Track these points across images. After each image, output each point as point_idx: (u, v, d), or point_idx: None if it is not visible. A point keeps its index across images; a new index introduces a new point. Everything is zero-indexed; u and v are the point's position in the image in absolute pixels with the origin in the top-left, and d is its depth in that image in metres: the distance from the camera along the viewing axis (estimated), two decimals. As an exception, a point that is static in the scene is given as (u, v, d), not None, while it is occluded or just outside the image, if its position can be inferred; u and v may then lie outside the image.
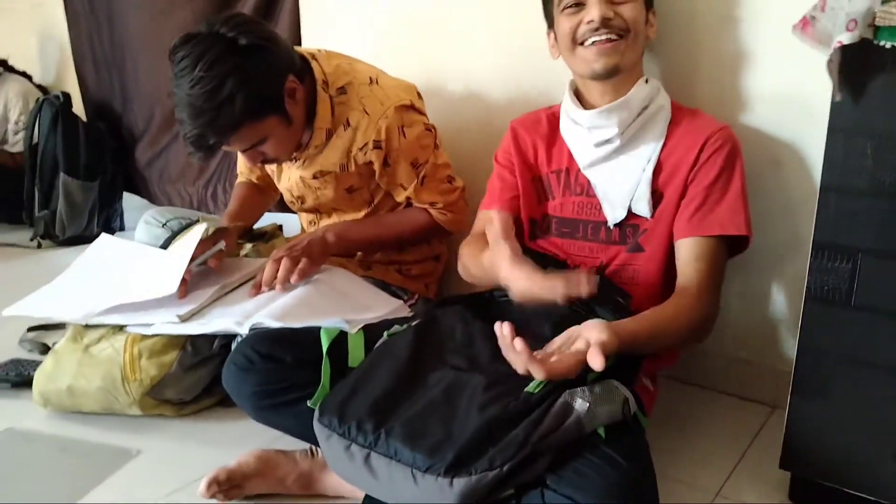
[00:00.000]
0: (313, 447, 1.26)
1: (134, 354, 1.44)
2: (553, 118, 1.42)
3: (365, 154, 1.52)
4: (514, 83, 1.74)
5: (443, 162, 1.60)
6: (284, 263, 1.43)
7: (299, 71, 1.46)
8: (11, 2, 3.20)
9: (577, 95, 1.37)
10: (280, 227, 1.90)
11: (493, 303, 1.32)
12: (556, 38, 1.36)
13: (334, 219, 1.69)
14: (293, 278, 1.41)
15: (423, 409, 1.02)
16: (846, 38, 0.98)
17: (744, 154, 1.30)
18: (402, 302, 1.54)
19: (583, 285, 1.02)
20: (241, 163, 1.83)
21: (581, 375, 1.00)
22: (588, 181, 1.34)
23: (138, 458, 1.37)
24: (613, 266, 1.31)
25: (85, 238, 2.66)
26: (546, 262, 1.35)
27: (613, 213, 1.31)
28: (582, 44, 1.29)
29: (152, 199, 2.82)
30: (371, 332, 1.26)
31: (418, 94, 1.61)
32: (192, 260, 1.47)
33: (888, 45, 0.98)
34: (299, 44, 2.11)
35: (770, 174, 1.42)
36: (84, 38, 2.87)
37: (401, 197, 1.60)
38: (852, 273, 1.05)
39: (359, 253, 1.63)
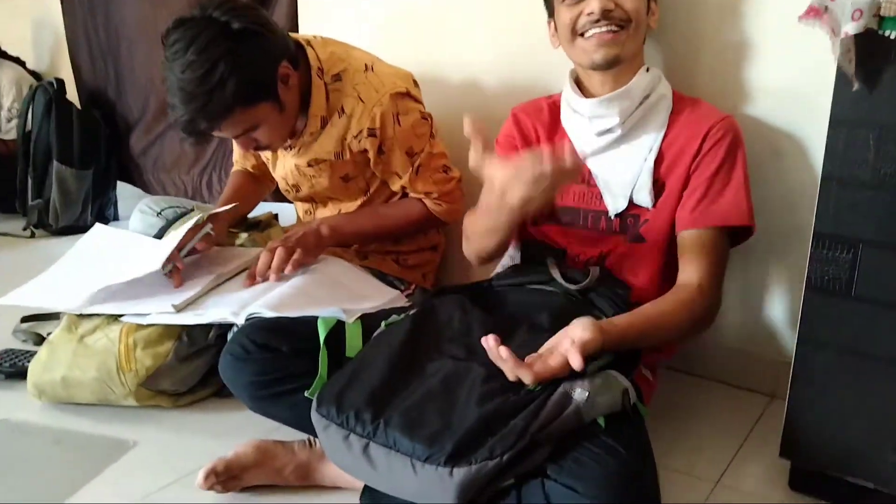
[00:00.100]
0: (311, 437, 1.25)
1: (129, 345, 1.42)
2: (554, 107, 1.41)
3: (359, 142, 1.51)
4: (511, 74, 1.73)
5: (439, 151, 1.58)
6: (279, 253, 1.43)
7: (293, 57, 1.44)
8: (5, -12, 3.17)
9: (578, 84, 1.36)
10: (276, 216, 1.89)
11: (491, 291, 1.31)
12: (556, 28, 1.35)
13: (330, 207, 1.68)
14: (287, 269, 1.41)
15: (421, 398, 1.02)
16: (852, 28, 0.97)
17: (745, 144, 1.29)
18: (399, 292, 1.53)
19: (559, 153, 0.98)
20: (237, 151, 1.81)
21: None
22: (589, 171, 1.33)
23: (135, 449, 1.36)
24: (614, 256, 1.31)
25: (79, 227, 2.63)
26: (544, 250, 1.34)
27: (614, 203, 1.30)
28: (582, 35, 1.28)
29: (147, 188, 2.79)
30: (369, 321, 1.25)
31: (415, 82, 1.59)
32: (182, 246, 1.46)
33: (893, 35, 0.97)
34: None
35: (770, 164, 1.42)
36: (79, 25, 2.84)
37: (396, 185, 1.59)
38: (853, 263, 1.05)
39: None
